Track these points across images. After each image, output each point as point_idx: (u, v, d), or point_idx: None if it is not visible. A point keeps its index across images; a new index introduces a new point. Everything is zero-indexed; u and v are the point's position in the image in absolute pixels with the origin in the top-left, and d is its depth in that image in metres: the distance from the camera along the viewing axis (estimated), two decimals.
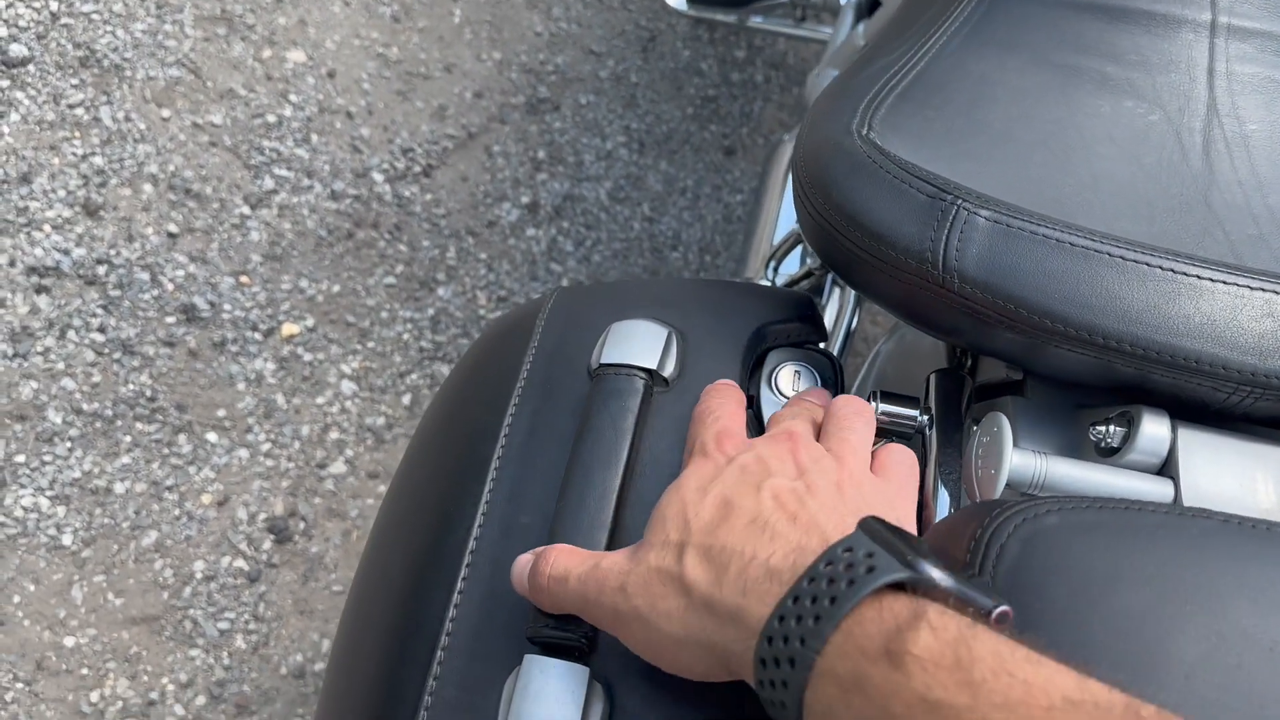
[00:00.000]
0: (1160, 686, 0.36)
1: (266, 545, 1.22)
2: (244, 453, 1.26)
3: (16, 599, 1.13)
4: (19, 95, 1.31)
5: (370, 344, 1.36)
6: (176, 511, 1.21)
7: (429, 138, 1.49)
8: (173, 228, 1.32)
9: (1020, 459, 0.47)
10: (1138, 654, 0.36)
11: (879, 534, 0.36)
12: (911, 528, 0.45)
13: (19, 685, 1.10)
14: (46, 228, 1.26)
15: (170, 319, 1.28)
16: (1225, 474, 0.47)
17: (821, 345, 0.61)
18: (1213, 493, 0.47)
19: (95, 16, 1.38)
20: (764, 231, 1.21)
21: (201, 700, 1.14)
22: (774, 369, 0.57)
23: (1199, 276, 0.48)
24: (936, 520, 0.52)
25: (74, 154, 1.31)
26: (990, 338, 0.50)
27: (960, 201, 0.50)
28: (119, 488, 1.20)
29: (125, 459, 1.21)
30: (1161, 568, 0.38)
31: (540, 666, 0.45)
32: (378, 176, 1.44)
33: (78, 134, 1.32)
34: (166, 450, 1.23)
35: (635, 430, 0.52)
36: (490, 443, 0.54)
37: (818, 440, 0.48)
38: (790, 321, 0.60)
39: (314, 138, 1.43)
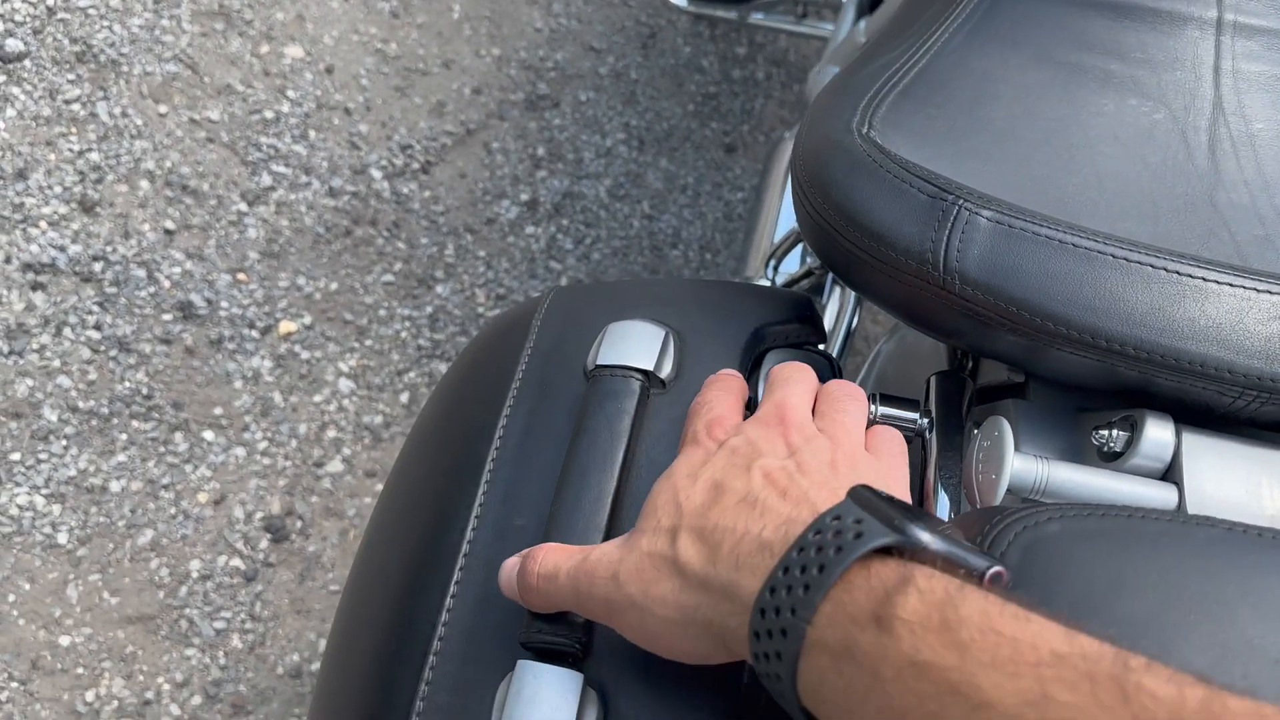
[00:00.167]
0: None
1: (263, 544, 1.22)
2: (241, 451, 1.25)
3: (11, 598, 1.12)
4: (15, 90, 1.30)
5: (368, 342, 1.35)
6: (173, 510, 1.20)
7: (427, 134, 1.48)
8: (169, 224, 1.31)
9: (1021, 464, 0.46)
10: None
11: (867, 500, 0.36)
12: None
13: (14, 684, 1.09)
14: (42, 224, 1.26)
15: (167, 316, 1.27)
16: (1230, 479, 0.47)
17: (820, 346, 0.60)
18: (1217, 498, 0.46)
19: (92, 11, 1.37)
20: (764, 230, 1.21)
21: (197, 700, 1.13)
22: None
23: (1204, 278, 0.47)
24: None
25: (70, 150, 1.30)
26: (991, 340, 0.49)
27: (962, 201, 0.49)
28: (115, 486, 1.19)
29: (121, 457, 1.21)
30: (1165, 576, 0.37)
31: (534, 672, 0.44)
32: (376, 173, 1.43)
33: (74, 130, 1.31)
34: (163, 448, 1.22)
35: (631, 432, 0.51)
36: (485, 443, 0.54)
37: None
38: (789, 322, 0.59)
39: (312, 134, 1.43)
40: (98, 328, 1.24)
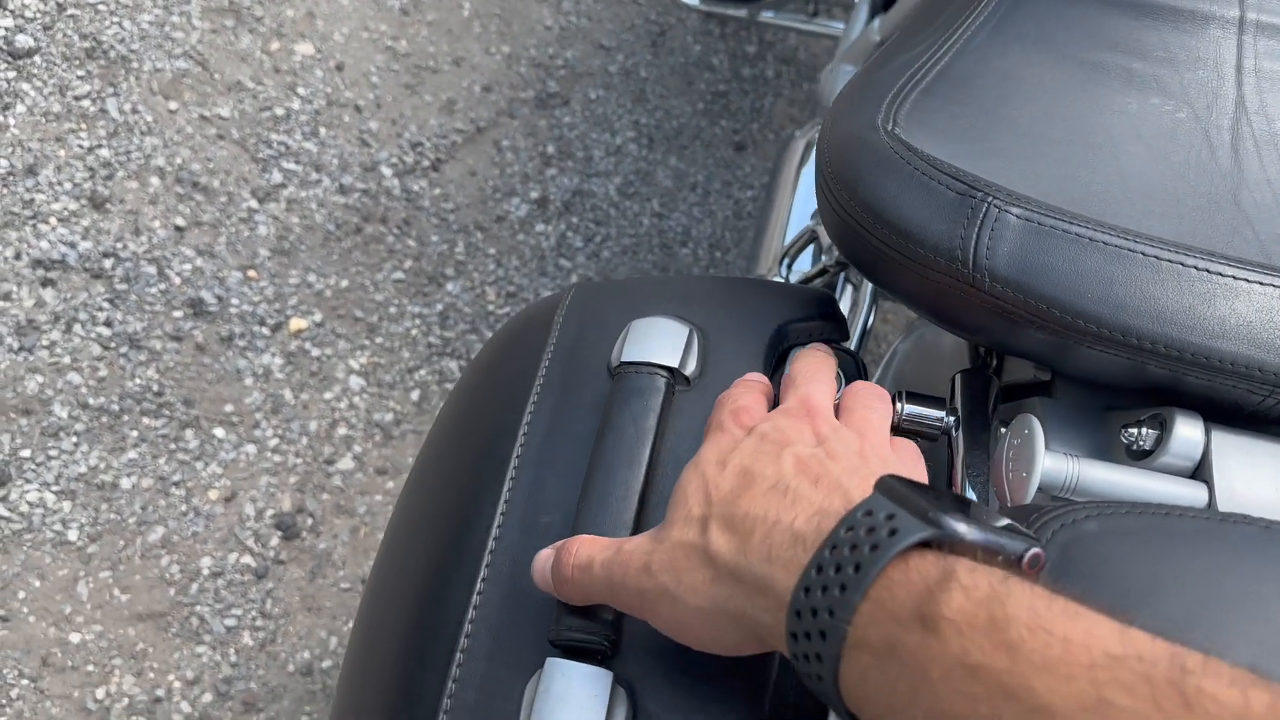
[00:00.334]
0: None
1: (274, 542, 1.22)
2: (251, 448, 1.25)
3: (22, 595, 1.12)
4: (25, 87, 1.30)
5: (378, 339, 1.35)
6: (183, 507, 1.20)
7: (437, 132, 1.48)
8: (180, 221, 1.31)
9: (1052, 462, 0.46)
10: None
11: (897, 492, 0.35)
12: None
13: (24, 682, 1.09)
14: (52, 220, 1.26)
15: (177, 313, 1.27)
16: (1260, 478, 0.46)
17: (844, 343, 0.60)
18: (1247, 497, 0.46)
19: (102, 8, 1.37)
20: (776, 228, 1.20)
21: (208, 697, 1.13)
22: None
23: (1234, 277, 0.47)
24: None
25: (80, 146, 1.30)
26: (1020, 338, 0.49)
27: (991, 199, 0.49)
28: (125, 483, 1.19)
29: (132, 454, 1.20)
30: (1203, 575, 0.37)
31: (562, 670, 0.44)
32: (386, 171, 1.43)
33: (84, 126, 1.31)
34: (173, 445, 1.22)
35: (657, 429, 0.51)
36: (509, 441, 0.54)
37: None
38: (812, 320, 0.59)
39: (322, 131, 1.43)
40: (108, 324, 1.24)
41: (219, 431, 1.24)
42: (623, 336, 0.56)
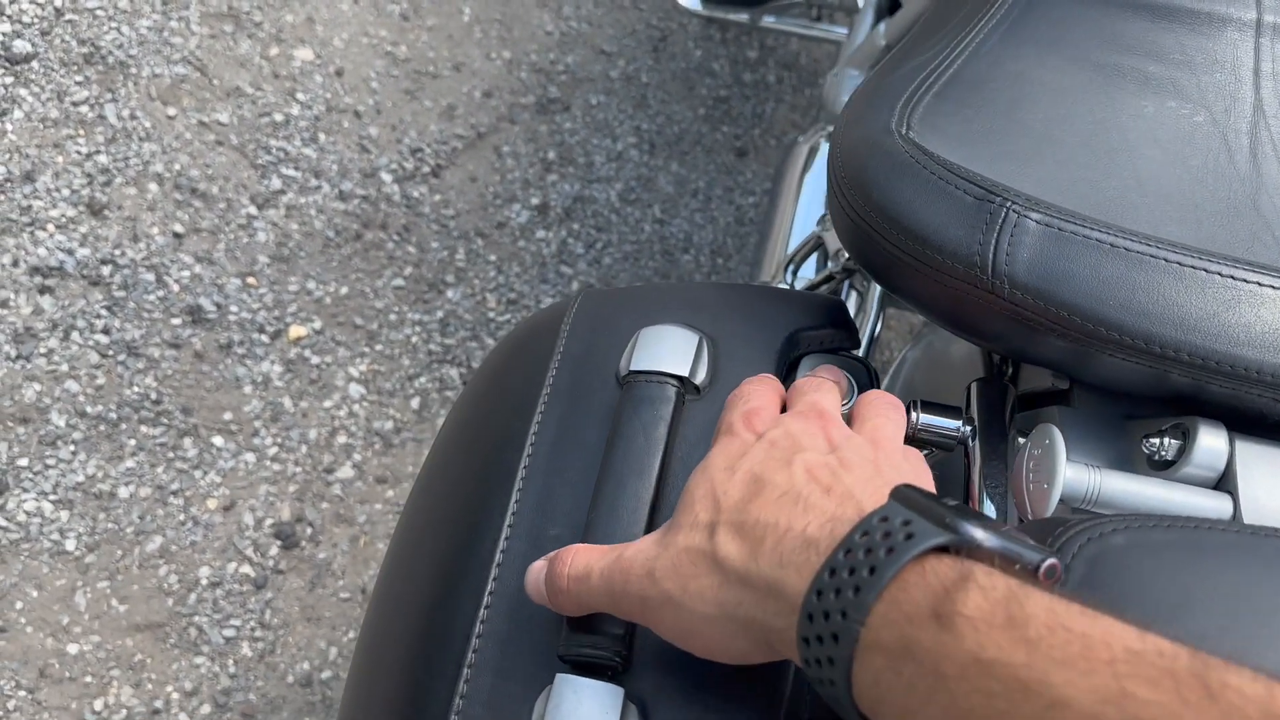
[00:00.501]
0: None
1: (273, 551, 1.20)
2: (250, 457, 1.24)
3: (19, 605, 1.11)
4: (22, 92, 1.29)
5: (378, 347, 1.34)
6: (182, 516, 1.19)
7: (438, 138, 1.47)
8: (178, 228, 1.30)
9: (1074, 473, 0.45)
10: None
11: (914, 500, 0.35)
12: None
13: (21, 693, 1.08)
14: (50, 227, 1.25)
15: (176, 320, 1.26)
16: None
17: (855, 352, 0.59)
18: (1273, 508, 0.45)
19: (100, 13, 1.36)
20: (779, 235, 1.19)
21: (207, 709, 1.12)
22: None
23: (1259, 283, 0.46)
24: None
25: (78, 152, 1.29)
26: (1039, 345, 0.48)
27: (1010, 204, 0.48)
28: (123, 492, 1.18)
29: (130, 463, 1.19)
30: (1234, 589, 0.36)
31: (573, 686, 0.43)
32: (386, 177, 1.42)
33: (82, 132, 1.30)
34: (172, 454, 1.21)
35: (667, 439, 0.50)
36: (516, 451, 0.53)
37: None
38: (823, 327, 0.58)
39: (322, 137, 1.42)
40: (106, 332, 1.23)
41: (218, 440, 1.23)
42: (631, 345, 0.55)
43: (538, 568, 0.45)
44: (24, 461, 1.16)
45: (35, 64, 1.30)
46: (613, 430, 0.51)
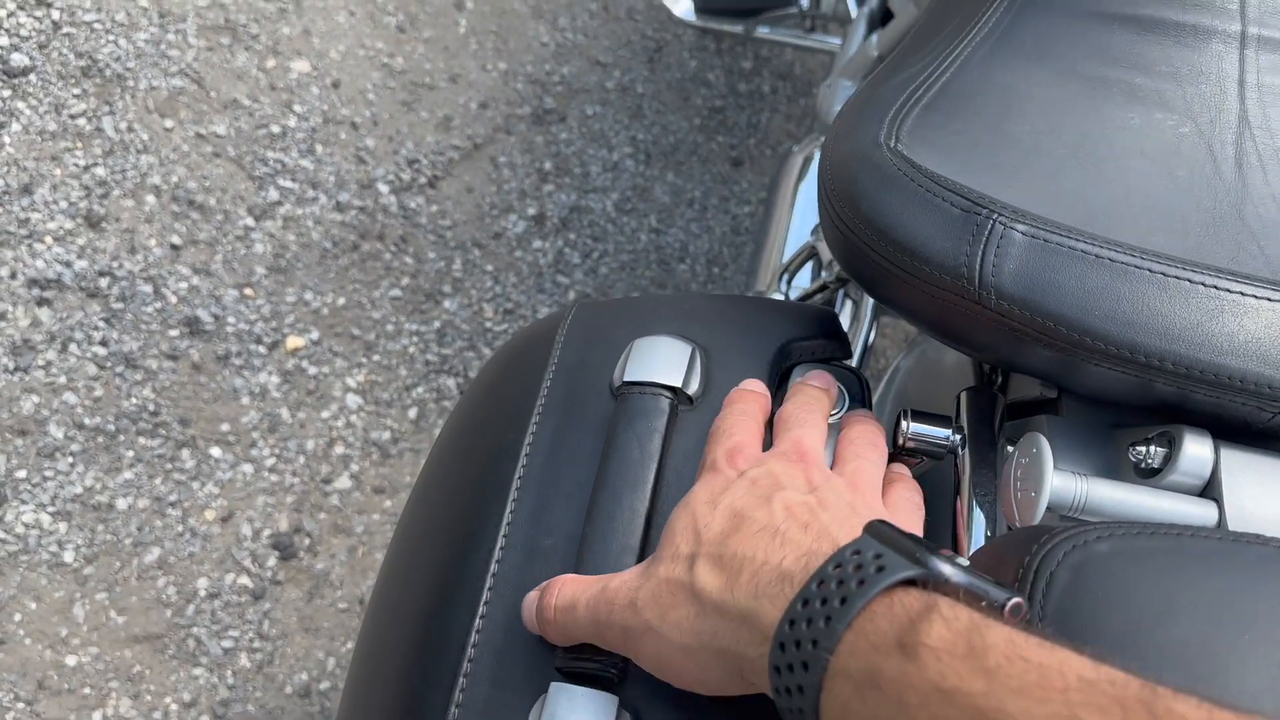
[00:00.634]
0: None
1: (271, 562, 1.21)
2: (248, 468, 1.24)
3: (18, 617, 1.11)
4: (20, 105, 1.29)
5: (376, 357, 1.34)
6: (180, 528, 1.19)
7: (434, 149, 1.48)
8: (176, 240, 1.31)
9: (1061, 481, 0.46)
10: (1197, 687, 0.35)
11: (886, 536, 0.36)
12: None
13: (20, 705, 1.08)
14: (48, 239, 1.25)
15: (173, 332, 1.27)
16: (1271, 496, 0.46)
17: (847, 361, 0.59)
18: (1258, 515, 0.46)
19: (98, 26, 1.37)
20: (774, 245, 1.20)
21: None
22: None
23: (1241, 293, 0.47)
24: (972, 543, 0.51)
25: (76, 165, 1.30)
26: (1026, 355, 0.49)
27: (996, 215, 0.48)
28: (121, 503, 1.18)
29: (128, 474, 1.20)
30: (1218, 596, 0.37)
31: (568, 695, 0.44)
32: (383, 188, 1.43)
33: (80, 144, 1.31)
34: (170, 465, 1.21)
35: (661, 450, 0.51)
36: (511, 462, 0.53)
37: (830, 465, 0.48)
38: (815, 338, 0.59)
39: (319, 149, 1.42)
40: (104, 344, 1.23)
41: (215, 451, 1.24)
42: (625, 356, 0.56)
43: (532, 598, 0.46)
44: (22, 473, 1.16)
45: (33, 77, 1.31)
46: (607, 442, 0.52)
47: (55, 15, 1.34)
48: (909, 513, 0.47)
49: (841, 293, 1.02)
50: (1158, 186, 0.55)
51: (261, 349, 1.30)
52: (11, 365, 1.19)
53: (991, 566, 0.41)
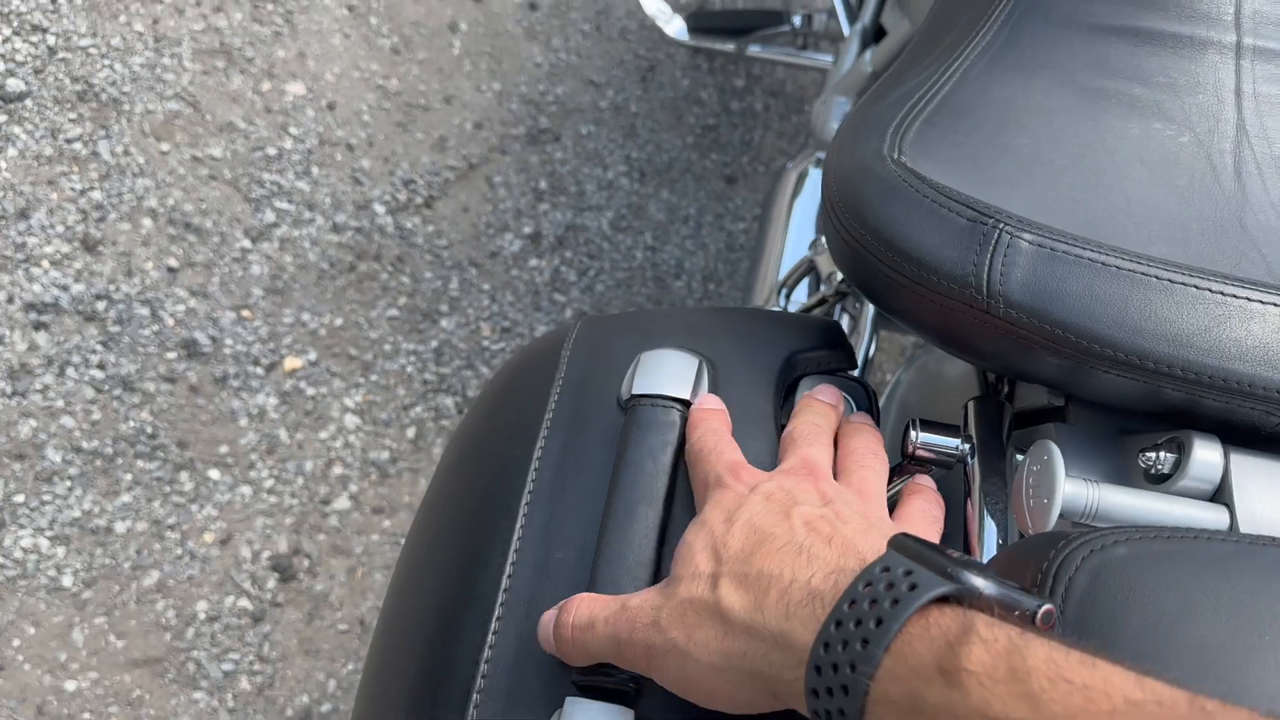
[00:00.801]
0: None
1: (270, 584, 1.20)
2: (247, 489, 1.24)
3: (16, 642, 1.10)
4: (16, 130, 1.29)
5: (373, 377, 1.34)
6: (179, 551, 1.19)
7: (430, 169, 1.48)
8: (173, 262, 1.31)
9: (1073, 488, 0.46)
10: (1216, 688, 0.35)
11: (913, 550, 0.36)
12: None
13: None
14: (45, 263, 1.25)
15: (171, 354, 1.26)
16: None
17: (853, 372, 0.60)
18: (1269, 519, 0.46)
19: (93, 50, 1.37)
20: (771, 260, 1.20)
21: None
22: None
23: (1249, 299, 0.47)
24: (984, 551, 0.51)
25: (72, 189, 1.30)
26: (1034, 363, 0.49)
27: (1003, 224, 0.49)
28: (120, 527, 1.18)
29: (126, 497, 1.19)
30: (1236, 598, 0.37)
31: (583, 710, 0.44)
32: (379, 208, 1.43)
33: (76, 169, 1.31)
34: (168, 488, 1.21)
35: (673, 463, 0.51)
36: (520, 476, 0.53)
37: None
38: (820, 349, 0.59)
39: (315, 170, 1.42)
40: (101, 367, 1.23)
41: (214, 473, 1.23)
42: (632, 369, 0.56)
43: (548, 617, 0.46)
44: (20, 498, 1.15)
45: (29, 102, 1.31)
46: (619, 455, 0.52)
47: (51, 40, 1.35)
48: (925, 525, 0.47)
49: (840, 307, 1.02)
50: (1158, 196, 0.55)
51: (259, 370, 1.29)
52: (9, 389, 1.18)
53: (1008, 572, 0.41)
